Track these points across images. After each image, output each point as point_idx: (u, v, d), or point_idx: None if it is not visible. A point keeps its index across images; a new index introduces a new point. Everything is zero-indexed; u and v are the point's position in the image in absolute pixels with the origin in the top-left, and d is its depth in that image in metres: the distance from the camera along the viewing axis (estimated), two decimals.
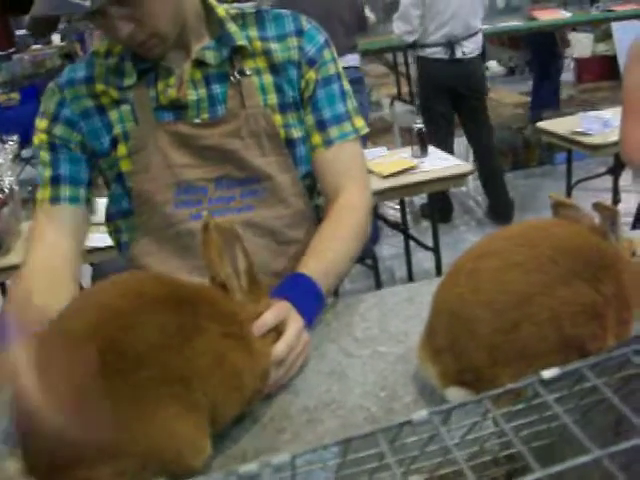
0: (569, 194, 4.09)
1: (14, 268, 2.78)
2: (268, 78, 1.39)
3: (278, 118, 1.39)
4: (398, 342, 1.23)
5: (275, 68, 1.40)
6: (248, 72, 1.37)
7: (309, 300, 1.23)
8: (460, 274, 1.04)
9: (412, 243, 3.92)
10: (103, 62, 1.37)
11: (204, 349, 0.95)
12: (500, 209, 4.73)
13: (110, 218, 1.46)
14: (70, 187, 1.36)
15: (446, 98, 4.58)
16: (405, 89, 6.27)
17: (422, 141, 3.43)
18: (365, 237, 1.44)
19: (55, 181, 1.35)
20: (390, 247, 4.48)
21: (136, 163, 1.35)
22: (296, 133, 1.41)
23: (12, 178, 3.01)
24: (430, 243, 3.57)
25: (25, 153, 5.45)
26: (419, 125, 3.44)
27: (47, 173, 1.36)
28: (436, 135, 4.18)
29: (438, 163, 3.35)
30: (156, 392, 0.89)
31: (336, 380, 1.15)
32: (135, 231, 1.41)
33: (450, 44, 4.40)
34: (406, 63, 6.04)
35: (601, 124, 3.61)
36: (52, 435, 0.84)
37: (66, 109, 1.36)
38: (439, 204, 4.68)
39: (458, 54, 4.42)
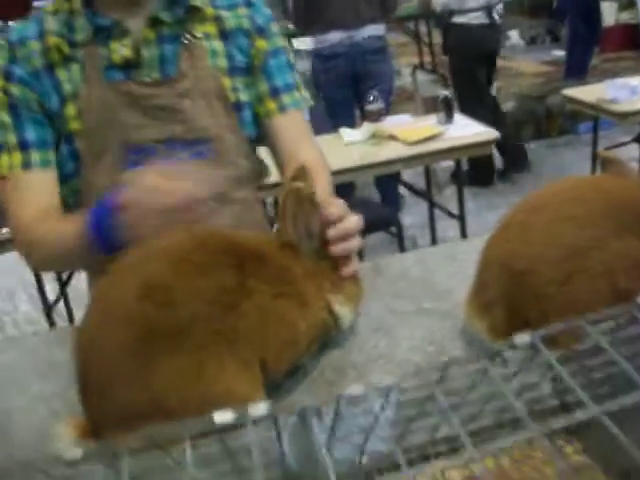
0: (594, 163, 4.06)
1: None
2: (218, 44, 1.40)
3: (227, 81, 1.40)
4: (443, 298, 1.23)
5: (225, 34, 1.41)
6: (199, 36, 1.38)
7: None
8: (510, 227, 1.03)
9: (436, 212, 3.90)
10: (54, 17, 1.34)
11: (257, 309, 0.95)
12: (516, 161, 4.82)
13: (62, 181, 1.41)
14: (40, 151, 1.33)
15: (485, 63, 4.68)
16: (427, 58, 6.21)
17: (448, 108, 3.41)
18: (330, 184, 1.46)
19: (23, 146, 1.32)
20: (413, 215, 4.47)
21: (85, 123, 1.32)
22: (243, 97, 1.42)
23: None
24: (455, 211, 3.55)
25: None
26: (445, 92, 3.42)
27: (12, 138, 1.32)
28: (476, 101, 4.25)
29: (464, 130, 3.34)
30: (210, 352, 0.90)
31: (383, 336, 1.15)
32: (79, 195, 1.39)
33: (489, 8, 4.48)
34: (429, 32, 5.99)
35: (629, 91, 3.57)
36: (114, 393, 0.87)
37: (18, 68, 1.32)
38: (481, 168, 4.71)
39: (496, 18, 4.50)
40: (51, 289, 3.36)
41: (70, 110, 1.33)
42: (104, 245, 1.13)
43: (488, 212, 4.41)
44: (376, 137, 3.29)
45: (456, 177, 3.86)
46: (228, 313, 0.93)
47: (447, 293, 1.24)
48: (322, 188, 1.34)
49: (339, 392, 0.99)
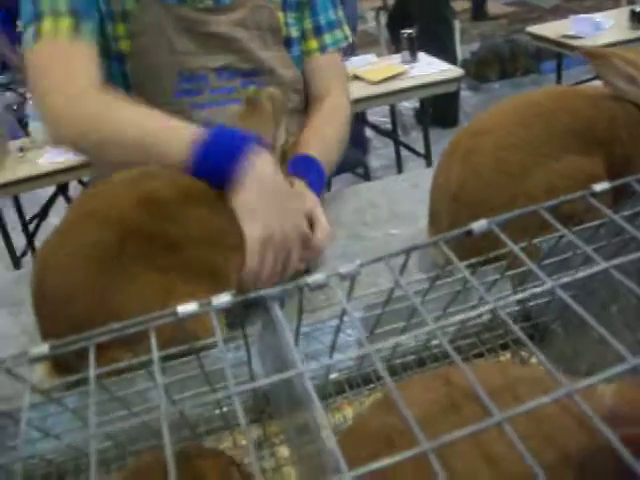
0: None
1: (5, 186, 2.77)
2: None
3: (280, 15, 1.38)
4: (408, 224, 1.24)
5: None
6: None
7: (318, 181, 1.24)
8: (457, 155, 1.04)
9: (403, 154, 3.90)
10: None
11: (235, 257, 0.96)
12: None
13: None
14: (90, 22, 1.18)
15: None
16: (390, 0, 6.14)
17: (412, 47, 3.38)
18: (346, 137, 1.46)
19: (74, 14, 1.15)
20: (380, 158, 4.47)
21: (136, 45, 1.28)
22: (294, 33, 1.41)
23: None
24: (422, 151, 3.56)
25: (2, 79, 5.33)
26: (408, 30, 3.38)
27: (62, 4, 1.14)
28: (441, 41, 4.23)
29: (428, 68, 3.32)
30: (188, 276, 0.90)
31: (348, 262, 1.16)
32: None
33: None
34: None
35: (592, 27, 3.57)
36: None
37: None
38: (445, 108, 4.69)
39: None
40: (18, 244, 3.33)
41: (120, 30, 1.27)
42: (202, 167, 0.98)
43: None
44: None
45: (421, 117, 3.85)
46: (219, 251, 0.94)
47: (413, 218, 1.25)
48: (329, 137, 1.37)
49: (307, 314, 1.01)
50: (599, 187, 0.46)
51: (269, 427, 0.81)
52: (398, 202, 1.33)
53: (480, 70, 5.65)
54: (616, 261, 0.39)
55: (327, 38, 1.44)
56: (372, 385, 0.83)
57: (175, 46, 1.29)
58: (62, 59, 1.14)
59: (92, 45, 1.18)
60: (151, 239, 0.88)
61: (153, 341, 0.39)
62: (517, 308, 0.85)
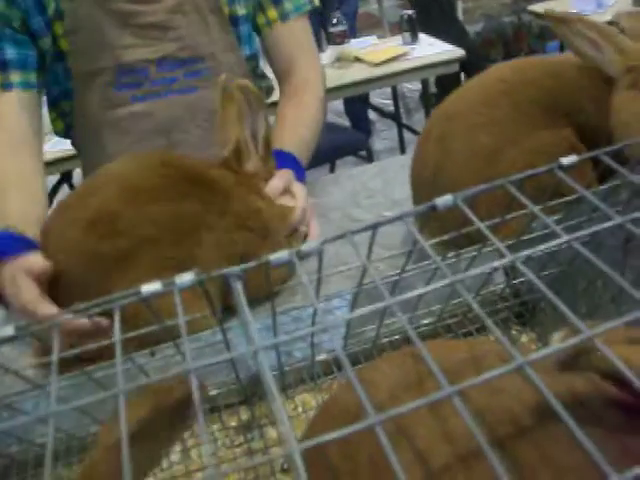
0: None
1: None
2: None
3: None
4: (402, 207, 1.24)
5: None
6: None
7: (299, 173, 1.22)
8: (430, 140, 1.04)
9: (406, 137, 3.89)
10: None
11: (216, 240, 0.96)
12: None
13: (54, 102, 1.38)
14: (20, 72, 1.25)
15: None
16: None
17: (412, 28, 3.37)
18: (325, 108, 1.43)
19: (3, 67, 1.23)
20: (383, 141, 4.46)
21: (73, 43, 1.27)
22: (240, 10, 1.36)
23: None
24: None
25: None
26: (409, 12, 3.37)
27: None
28: (441, 22, 4.19)
29: (429, 49, 3.31)
30: (159, 277, 0.90)
31: (343, 243, 1.15)
32: (73, 115, 1.36)
33: None
34: None
35: (594, 4, 3.54)
36: None
37: None
38: (449, 89, 4.65)
39: None
40: None
41: (58, 29, 1.26)
42: None
43: None
44: (341, 60, 3.25)
45: (424, 99, 3.84)
46: (184, 241, 0.93)
47: (407, 201, 1.25)
48: (304, 126, 1.34)
49: (301, 298, 1.01)
50: (566, 160, 0.46)
51: (258, 409, 0.81)
52: (394, 185, 1.33)
53: (484, 50, 5.62)
54: (578, 234, 0.39)
55: (287, 5, 1.39)
56: (359, 366, 0.83)
57: (111, 41, 1.27)
58: None
59: (22, 96, 1.24)
60: (109, 258, 0.90)
61: (117, 319, 0.40)
62: (503, 286, 0.85)
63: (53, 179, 3.38)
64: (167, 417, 0.58)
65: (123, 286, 0.85)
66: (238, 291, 0.39)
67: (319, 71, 1.45)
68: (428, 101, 3.55)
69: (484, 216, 0.60)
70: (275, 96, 1.52)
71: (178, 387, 0.62)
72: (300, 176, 1.20)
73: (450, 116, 1.03)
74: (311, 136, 1.35)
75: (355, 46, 3.39)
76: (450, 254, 0.73)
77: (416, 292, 0.38)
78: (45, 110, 1.35)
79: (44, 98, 1.34)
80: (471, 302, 0.37)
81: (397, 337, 0.83)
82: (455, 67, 3.27)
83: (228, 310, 0.92)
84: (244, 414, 0.82)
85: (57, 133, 1.45)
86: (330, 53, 3.33)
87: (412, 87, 4.92)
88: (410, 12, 3.36)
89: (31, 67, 1.26)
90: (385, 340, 0.82)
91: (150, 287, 0.39)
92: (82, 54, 1.28)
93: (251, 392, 0.81)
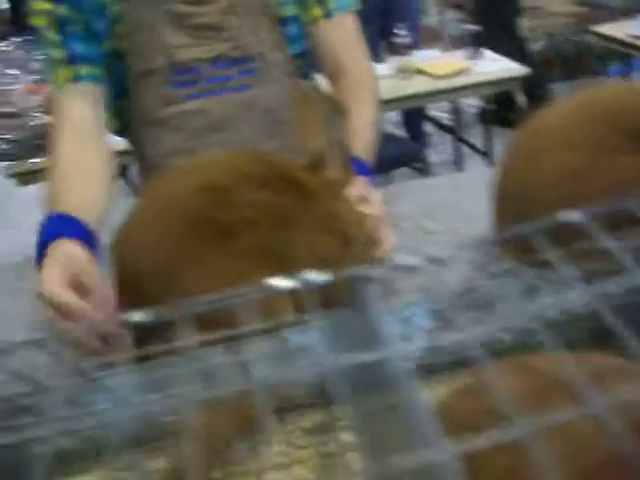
0: None
1: None
2: None
3: None
4: (475, 220, 1.23)
5: None
6: None
7: (370, 178, 1.22)
8: (519, 154, 1.04)
9: (463, 150, 3.87)
10: None
11: (305, 241, 0.95)
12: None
13: (111, 101, 1.40)
14: (88, 66, 1.29)
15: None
16: None
17: (477, 43, 3.36)
18: (378, 111, 1.42)
19: (72, 61, 1.28)
20: (440, 154, 4.44)
21: (131, 44, 1.31)
22: (289, 11, 1.38)
23: None
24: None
25: None
26: (474, 27, 3.36)
27: (61, 54, 1.28)
28: (502, 39, 4.15)
29: (492, 65, 3.29)
30: (255, 263, 0.90)
31: (413, 254, 1.15)
32: (129, 113, 1.39)
33: None
34: None
35: None
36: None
37: None
38: (507, 108, 4.63)
39: None
40: None
41: (117, 30, 1.31)
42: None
43: None
44: (403, 71, 3.25)
45: (483, 115, 3.82)
46: (281, 232, 0.93)
47: (481, 214, 1.24)
48: (365, 128, 1.33)
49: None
50: None
51: (332, 412, 0.81)
52: (466, 199, 1.32)
53: (543, 69, 5.56)
54: None
55: (330, 3, 1.39)
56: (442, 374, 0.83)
57: (166, 41, 1.30)
58: (61, 108, 1.28)
59: (90, 88, 1.29)
60: (214, 225, 0.89)
61: (243, 317, 0.40)
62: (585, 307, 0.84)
63: None
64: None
65: (218, 261, 0.87)
66: (368, 294, 0.39)
67: (371, 71, 1.46)
68: (487, 117, 3.53)
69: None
70: None
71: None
72: (371, 181, 1.21)
73: (543, 131, 1.02)
74: (373, 139, 1.35)
75: (418, 58, 3.39)
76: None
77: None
78: None
79: None
80: (607, 316, 0.37)
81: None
82: (517, 85, 3.25)
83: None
84: (318, 416, 0.82)
85: (112, 131, 1.47)
86: (392, 64, 3.33)
87: (468, 102, 4.89)
88: (475, 27, 3.36)
89: (98, 62, 1.30)
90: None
91: (282, 282, 0.39)
92: (139, 54, 1.31)
93: (325, 395, 0.81)
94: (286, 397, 0.80)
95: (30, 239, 1.09)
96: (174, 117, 1.35)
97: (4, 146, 2.77)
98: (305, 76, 1.54)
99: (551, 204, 0.94)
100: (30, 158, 2.77)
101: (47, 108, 1.26)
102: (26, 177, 2.80)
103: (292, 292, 0.83)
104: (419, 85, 3.18)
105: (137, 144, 1.45)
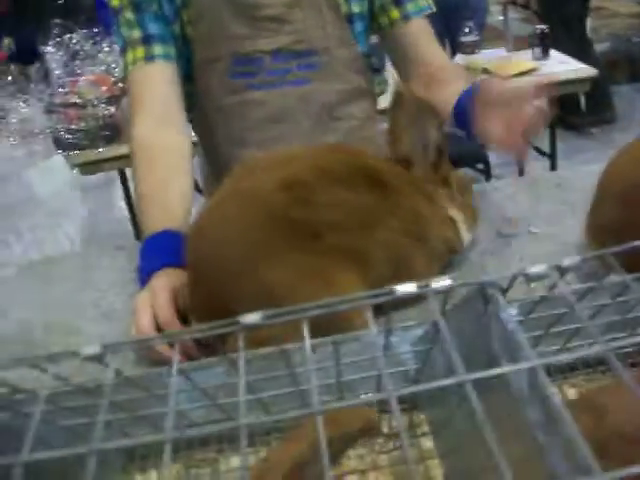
0: None
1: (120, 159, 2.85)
2: None
3: None
4: (550, 224, 1.20)
5: None
6: None
7: None
8: (630, 156, 1.01)
9: None
10: None
11: (387, 242, 0.95)
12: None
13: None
14: (162, 45, 1.31)
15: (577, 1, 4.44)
16: None
17: (544, 43, 3.30)
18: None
19: (146, 40, 1.31)
20: (500, 154, 4.37)
21: (196, 31, 1.33)
22: (356, 8, 1.38)
23: None
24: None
25: None
26: (541, 26, 3.30)
27: (136, 34, 1.30)
28: (567, 40, 4.07)
29: (559, 66, 3.23)
30: (336, 263, 0.89)
31: (490, 258, 1.13)
32: (193, 97, 1.40)
33: None
34: None
35: None
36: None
37: None
38: (572, 110, 4.55)
39: None
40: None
41: (185, 16, 1.33)
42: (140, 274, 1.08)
43: (577, 154, 4.29)
44: (469, 70, 3.21)
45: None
46: (362, 233, 0.93)
47: (555, 218, 1.22)
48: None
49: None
50: None
51: (415, 417, 0.80)
52: (539, 200, 1.29)
53: (608, 71, 5.45)
54: None
55: (409, 6, 1.40)
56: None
57: (230, 31, 1.32)
58: (139, 87, 1.31)
59: (165, 67, 1.30)
60: (295, 223, 0.88)
61: (305, 330, 0.39)
62: None
63: None
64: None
65: (301, 260, 0.86)
66: (500, 303, 0.38)
67: (452, 61, 1.46)
68: (553, 118, 3.46)
69: None
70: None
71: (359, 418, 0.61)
72: None
73: None
74: None
75: (484, 57, 3.35)
76: None
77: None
78: None
79: None
80: None
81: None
82: (586, 86, 3.18)
83: None
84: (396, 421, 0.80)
85: None
86: (459, 62, 3.29)
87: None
88: (543, 27, 3.29)
89: (171, 41, 1.33)
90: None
91: (407, 287, 0.38)
92: (203, 42, 1.34)
93: (410, 399, 0.80)
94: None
95: (95, 228, 1.10)
96: (235, 106, 1.37)
97: (69, 136, 2.81)
98: (375, 70, 1.54)
99: None
100: (96, 148, 2.82)
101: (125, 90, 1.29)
102: (91, 167, 2.84)
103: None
104: None
105: (199, 131, 1.48)
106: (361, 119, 1.45)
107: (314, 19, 1.34)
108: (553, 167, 3.43)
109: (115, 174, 3.23)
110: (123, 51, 1.33)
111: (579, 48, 4.36)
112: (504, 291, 0.45)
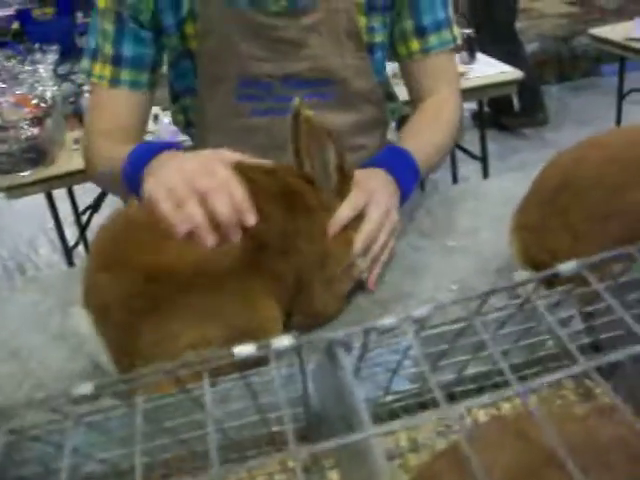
0: (620, 106, 3.95)
1: (59, 178, 2.79)
2: None
3: (362, 19, 1.29)
4: (467, 236, 1.20)
5: None
6: None
7: (407, 172, 1.18)
8: (560, 162, 1.01)
9: (458, 155, 3.83)
10: None
11: (303, 259, 0.95)
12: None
13: (177, 96, 1.41)
14: (132, 71, 1.27)
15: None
16: None
17: (470, 47, 3.32)
18: (456, 136, 1.39)
19: (117, 62, 1.26)
20: None
21: (202, 46, 1.26)
22: (378, 38, 1.33)
23: (55, 89, 2.97)
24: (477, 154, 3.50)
25: (61, 70, 5.35)
26: (467, 31, 3.33)
27: (108, 49, 1.26)
28: (497, 41, 4.13)
29: (487, 69, 3.26)
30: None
31: (407, 274, 1.12)
32: (199, 112, 1.36)
33: None
34: None
35: None
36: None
37: None
38: (502, 110, 4.60)
39: None
40: (71, 234, 3.33)
41: (189, 29, 1.26)
42: (129, 182, 1.09)
43: (510, 155, 4.35)
44: (396, 77, 3.21)
45: (478, 118, 3.78)
46: (283, 256, 0.92)
47: (472, 232, 1.21)
48: (429, 139, 1.30)
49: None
50: None
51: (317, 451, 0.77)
52: (456, 214, 1.28)
53: (537, 71, 5.54)
54: None
55: (432, 39, 1.33)
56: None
57: (240, 50, 1.25)
58: (97, 104, 1.31)
59: (131, 92, 1.29)
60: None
61: (206, 383, 0.36)
62: (586, 340, 0.80)
63: None
64: None
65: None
66: (341, 361, 0.36)
67: (459, 101, 1.41)
68: (482, 121, 3.49)
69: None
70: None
71: None
72: (405, 173, 1.17)
73: (589, 146, 1.00)
74: (438, 144, 1.31)
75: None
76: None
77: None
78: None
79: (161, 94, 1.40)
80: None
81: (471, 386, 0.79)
82: (513, 89, 3.21)
83: None
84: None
85: (177, 125, 1.48)
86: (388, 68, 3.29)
87: (464, 106, 4.86)
88: (469, 31, 3.32)
89: (144, 67, 1.29)
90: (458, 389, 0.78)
91: (244, 349, 0.35)
92: (209, 58, 1.27)
93: (314, 432, 0.78)
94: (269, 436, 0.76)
95: (25, 252, 1.07)
96: (239, 130, 1.32)
97: None
98: (389, 98, 1.50)
99: (581, 215, 0.92)
100: (20, 171, 2.75)
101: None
102: (16, 191, 2.77)
103: None
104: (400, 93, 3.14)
105: (198, 146, 1.41)
106: (372, 149, 1.39)
107: (333, 47, 1.28)
108: (485, 170, 3.45)
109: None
110: (92, 56, 1.29)
111: (509, 50, 4.42)
112: (363, 345, 0.44)
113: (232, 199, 0.80)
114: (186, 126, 1.45)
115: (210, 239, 0.78)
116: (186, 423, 0.60)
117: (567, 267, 0.39)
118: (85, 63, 1.30)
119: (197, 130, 1.40)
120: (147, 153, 1.06)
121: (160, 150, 1.05)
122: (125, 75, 1.27)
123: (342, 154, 1.01)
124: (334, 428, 0.66)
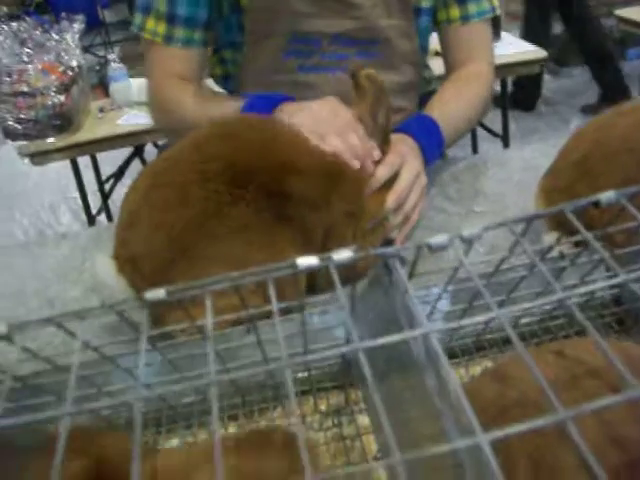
0: None
1: (84, 145, 2.82)
2: None
3: None
4: (493, 202, 1.22)
5: None
6: None
7: (432, 141, 1.20)
8: (590, 127, 1.02)
9: (478, 133, 3.84)
10: None
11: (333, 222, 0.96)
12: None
13: (219, 48, 1.41)
14: (185, 29, 1.29)
15: None
16: None
17: (495, 25, 3.31)
18: (484, 110, 1.40)
19: (170, 19, 1.28)
20: None
21: (253, 1, 1.27)
22: (425, 3, 1.35)
23: (80, 57, 3.00)
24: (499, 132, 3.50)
25: (85, 41, 5.37)
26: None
27: (162, 6, 1.27)
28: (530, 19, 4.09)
29: (510, 49, 3.24)
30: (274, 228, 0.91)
31: (432, 233, 1.14)
32: (241, 66, 1.38)
33: None
34: None
35: None
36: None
37: None
38: (526, 91, 4.56)
39: None
40: (93, 203, 3.37)
41: None
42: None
43: (530, 135, 4.34)
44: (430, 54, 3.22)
45: (500, 98, 3.78)
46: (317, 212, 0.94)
47: (499, 196, 1.23)
48: (457, 108, 1.32)
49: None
50: None
51: (350, 394, 0.80)
52: (482, 180, 1.30)
53: (561, 54, 5.51)
54: None
55: (471, 7, 1.36)
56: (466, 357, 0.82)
57: (291, 7, 1.27)
58: (154, 60, 1.34)
59: (184, 49, 1.31)
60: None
61: (272, 292, 0.39)
62: (610, 292, 0.83)
63: (126, 152, 3.42)
64: None
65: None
66: (399, 272, 0.38)
67: (491, 72, 1.43)
68: (504, 100, 3.49)
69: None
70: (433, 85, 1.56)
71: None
72: (428, 142, 1.19)
73: (620, 113, 1.01)
74: (464, 115, 1.33)
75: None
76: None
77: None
78: None
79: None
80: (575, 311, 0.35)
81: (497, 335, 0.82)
82: (536, 68, 3.21)
83: None
84: (335, 398, 0.81)
85: (214, 78, 1.50)
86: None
87: None
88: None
89: (198, 25, 1.30)
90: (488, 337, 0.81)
91: (306, 261, 0.38)
92: (259, 14, 1.29)
93: (345, 377, 0.80)
94: (305, 379, 0.79)
95: (46, 220, 1.09)
96: (283, 85, 1.34)
97: (19, 125, 2.77)
98: (425, 66, 1.52)
99: (610, 178, 0.94)
100: (46, 138, 2.78)
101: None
102: (42, 157, 2.80)
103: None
104: (436, 68, 3.14)
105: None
106: (408, 111, 1.42)
107: (381, 8, 1.30)
108: (506, 147, 3.46)
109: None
110: (145, 10, 1.30)
111: (530, 29, 4.40)
112: (414, 262, 0.46)
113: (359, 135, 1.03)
114: (223, 79, 1.46)
115: (355, 163, 0.99)
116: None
117: (607, 196, 0.41)
118: (138, 18, 1.31)
119: (236, 83, 1.41)
120: (268, 104, 1.15)
121: (280, 101, 1.15)
122: (179, 33, 1.29)
123: (389, 115, 1.04)
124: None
